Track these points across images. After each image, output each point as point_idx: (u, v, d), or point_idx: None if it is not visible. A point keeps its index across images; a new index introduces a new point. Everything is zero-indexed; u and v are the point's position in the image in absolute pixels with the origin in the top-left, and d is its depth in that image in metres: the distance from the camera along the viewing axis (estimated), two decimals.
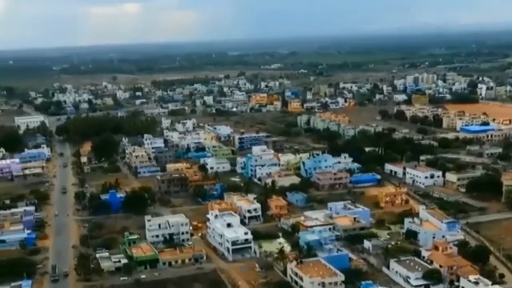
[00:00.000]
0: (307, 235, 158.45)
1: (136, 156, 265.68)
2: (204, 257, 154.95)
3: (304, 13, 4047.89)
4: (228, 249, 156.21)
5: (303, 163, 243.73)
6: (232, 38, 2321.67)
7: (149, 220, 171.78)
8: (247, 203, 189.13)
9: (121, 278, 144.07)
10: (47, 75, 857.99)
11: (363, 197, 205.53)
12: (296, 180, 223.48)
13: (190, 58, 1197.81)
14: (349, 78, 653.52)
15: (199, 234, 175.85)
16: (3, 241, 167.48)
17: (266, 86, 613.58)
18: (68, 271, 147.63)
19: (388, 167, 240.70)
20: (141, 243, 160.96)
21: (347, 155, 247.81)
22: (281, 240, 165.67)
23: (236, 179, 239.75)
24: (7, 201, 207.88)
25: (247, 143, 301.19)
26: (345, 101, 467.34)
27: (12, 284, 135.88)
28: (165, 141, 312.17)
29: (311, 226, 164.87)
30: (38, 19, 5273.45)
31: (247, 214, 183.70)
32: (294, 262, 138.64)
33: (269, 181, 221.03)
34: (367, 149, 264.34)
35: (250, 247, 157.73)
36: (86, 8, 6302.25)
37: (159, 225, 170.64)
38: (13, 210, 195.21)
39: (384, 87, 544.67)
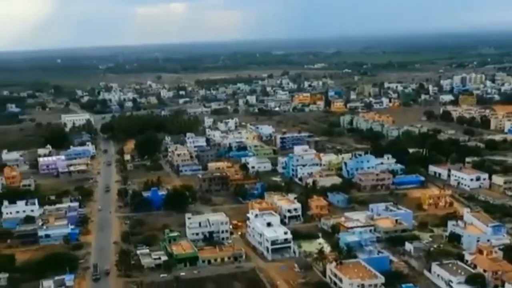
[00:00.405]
0: (348, 236, 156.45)
1: (178, 155, 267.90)
2: (244, 256, 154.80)
3: (349, 13, 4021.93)
4: (267, 249, 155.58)
5: (345, 163, 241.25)
6: (276, 37, 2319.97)
7: (189, 218, 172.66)
8: (288, 203, 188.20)
9: (161, 275, 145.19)
10: (93, 74, 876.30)
11: (406, 199, 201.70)
12: (337, 180, 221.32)
13: (234, 57, 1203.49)
14: (394, 78, 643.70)
15: (239, 233, 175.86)
16: (47, 236, 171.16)
17: (310, 85, 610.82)
18: (109, 268, 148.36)
19: (433, 168, 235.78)
20: (181, 240, 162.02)
21: (390, 156, 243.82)
22: (321, 240, 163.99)
23: (277, 178, 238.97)
24: (53, 197, 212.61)
25: (289, 143, 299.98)
26: (390, 101, 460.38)
27: (56, 278, 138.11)
28: (207, 140, 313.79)
29: (351, 227, 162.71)
30: (87, 19, 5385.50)
31: (287, 214, 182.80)
32: (334, 263, 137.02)
33: (310, 181, 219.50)
34: (411, 150, 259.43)
35: (289, 247, 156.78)
36: (133, 8, 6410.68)
37: (200, 223, 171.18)
38: (58, 205, 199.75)
39: (430, 87, 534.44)
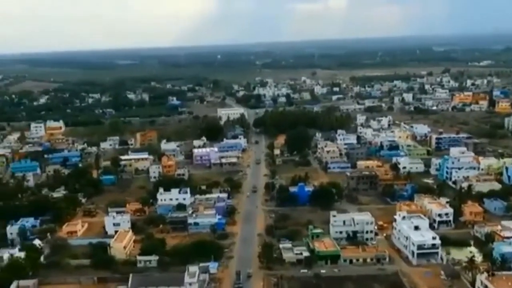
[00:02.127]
0: (503, 246, 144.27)
1: (328, 151, 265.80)
2: (387, 258, 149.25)
3: None
4: (413, 253, 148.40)
5: (507, 168, 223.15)
6: (439, 33, 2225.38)
7: (334, 216, 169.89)
8: (439, 207, 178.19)
9: (301, 271, 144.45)
10: (250, 69, 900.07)
11: None
12: (496, 186, 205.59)
13: (392, 53, 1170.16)
14: None
15: (384, 235, 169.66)
16: (196, 224, 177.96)
17: (473, 84, 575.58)
18: (252, 272, 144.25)
19: None
20: (324, 237, 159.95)
21: None
22: (472, 249, 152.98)
23: (429, 180, 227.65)
24: (204, 187, 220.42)
25: (445, 144, 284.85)
26: None
27: (201, 264, 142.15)
28: (358, 138, 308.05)
29: (508, 237, 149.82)
30: (247, 16, 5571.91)
31: (437, 218, 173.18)
32: (485, 274, 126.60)
33: (465, 185, 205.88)
34: None
35: (437, 253, 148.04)
36: (292, 5, 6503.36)
37: (344, 222, 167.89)
38: (208, 195, 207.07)
39: None
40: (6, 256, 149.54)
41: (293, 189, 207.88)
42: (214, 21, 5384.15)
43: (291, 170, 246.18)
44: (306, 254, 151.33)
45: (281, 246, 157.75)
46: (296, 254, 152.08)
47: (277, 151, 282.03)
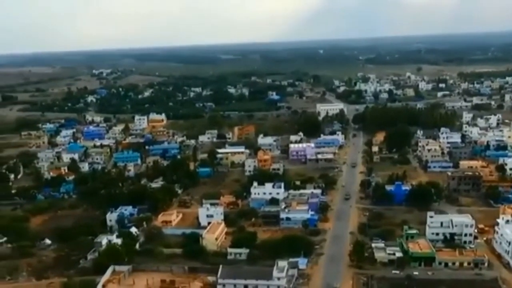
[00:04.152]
0: None
1: (429, 150, 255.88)
2: (486, 263, 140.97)
3: None
4: None
5: None
6: None
7: (431, 217, 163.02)
8: None
9: (393, 271, 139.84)
10: (352, 64, 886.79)
11: None
12: None
13: (506, 48, 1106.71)
14: None
15: (484, 238, 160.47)
16: (288, 219, 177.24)
17: None
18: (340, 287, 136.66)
19: None
20: (419, 238, 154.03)
21: None
22: None
23: None
24: (298, 182, 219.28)
25: None
26: None
27: (290, 259, 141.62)
28: (463, 137, 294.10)
29: None
30: (351, 11, 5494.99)
31: None
32: None
33: None
34: None
35: None
36: None
37: (441, 223, 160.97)
38: (301, 191, 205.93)
39: None
40: (104, 241, 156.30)
41: (389, 187, 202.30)
42: (317, 15, 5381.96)
43: (389, 168, 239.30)
44: (399, 254, 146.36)
45: (373, 245, 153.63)
46: (389, 254, 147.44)
47: (375, 148, 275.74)
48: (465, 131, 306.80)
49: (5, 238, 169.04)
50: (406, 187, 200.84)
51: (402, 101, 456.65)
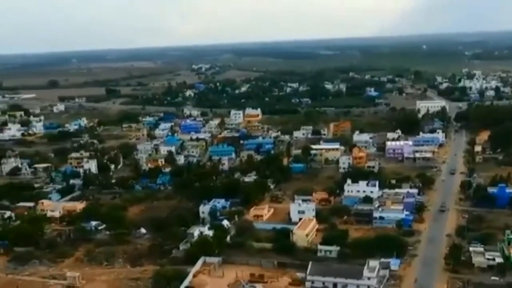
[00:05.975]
0: None
1: None
2: None
3: None
4: None
5: None
6: None
7: None
8: None
9: (492, 278, 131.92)
10: (457, 60, 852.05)
11: None
12: None
13: None
14: None
15: None
16: (381, 218, 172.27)
17: None
18: None
19: None
20: None
21: None
22: None
23: None
24: (393, 181, 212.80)
25: None
26: None
27: (382, 259, 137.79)
28: None
29: None
30: (456, 3, 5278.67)
31: None
32: None
33: None
34: None
35: None
36: None
37: None
38: (397, 190, 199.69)
39: None
40: (196, 233, 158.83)
41: (492, 189, 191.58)
42: (422, 9, 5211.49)
43: (492, 169, 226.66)
44: (499, 260, 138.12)
45: (471, 249, 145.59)
46: (488, 259, 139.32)
47: (478, 148, 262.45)
48: None
49: (104, 225, 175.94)
50: (510, 190, 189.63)
51: (510, 99, 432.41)
